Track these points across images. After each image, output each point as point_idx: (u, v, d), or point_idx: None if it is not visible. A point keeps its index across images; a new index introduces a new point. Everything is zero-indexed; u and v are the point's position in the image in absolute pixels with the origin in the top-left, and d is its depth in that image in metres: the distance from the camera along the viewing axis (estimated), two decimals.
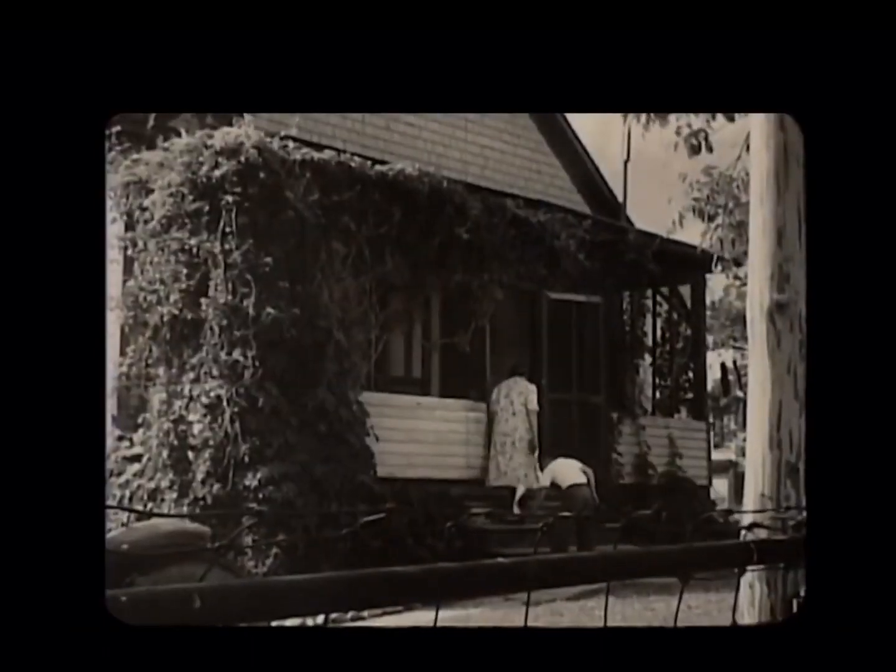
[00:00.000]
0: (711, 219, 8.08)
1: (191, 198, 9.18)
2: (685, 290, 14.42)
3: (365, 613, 7.73)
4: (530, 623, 1.32)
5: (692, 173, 8.17)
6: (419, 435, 10.74)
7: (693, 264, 11.79)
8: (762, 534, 1.61)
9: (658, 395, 14.59)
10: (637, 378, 13.88)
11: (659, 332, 14.46)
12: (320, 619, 5.01)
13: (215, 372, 9.06)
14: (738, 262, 10.40)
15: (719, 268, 8.67)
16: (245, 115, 9.67)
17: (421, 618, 4.96)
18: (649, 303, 14.15)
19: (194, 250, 9.20)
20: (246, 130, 9.28)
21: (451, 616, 7.61)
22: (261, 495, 8.85)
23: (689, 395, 14.59)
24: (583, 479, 10.23)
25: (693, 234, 9.30)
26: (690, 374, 14.57)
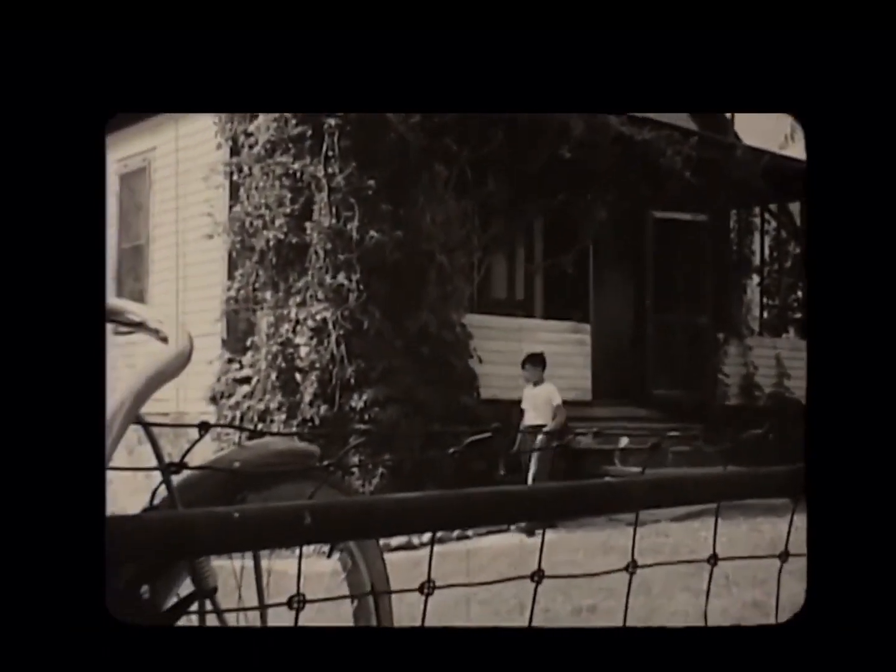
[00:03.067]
0: None
1: (294, 122, 9.22)
2: (794, 208, 14.03)
3: (469, 532, 7.85)
4: (636, 543, 1.32)
5: None
6: (523, 357, 10.75)
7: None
8: None
9: (766, 314, 14.31)
10: (744, 298, 13.63)
11: (767, 251, 14.13)
12: (426, 537, 5.09)
13: (320, 295, 9.17)
14: None
15: None
16: None
17: (525, 538, 5.01)
18: (757, 221, 13.81)
19: (298, 175, 9.27)
20: None
21: (555, 537, 7.68)
22: (366, 417, 9.00)
23: (798, 315, 14.28)
24: (537, 422, 8.62)
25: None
26: (799, 294, 14.24)
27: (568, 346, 11.23)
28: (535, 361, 9.07)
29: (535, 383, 8.94)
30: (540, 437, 8.37)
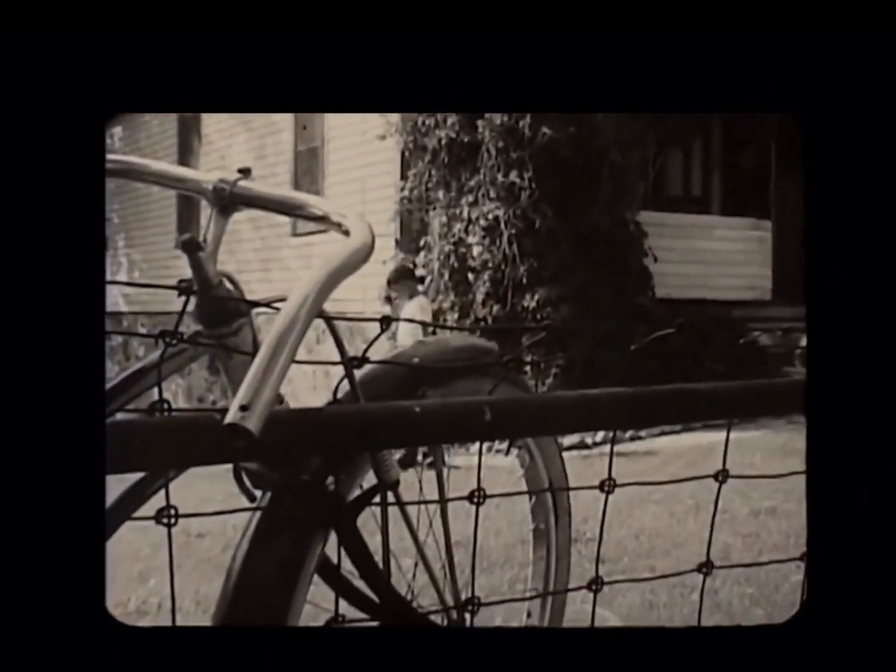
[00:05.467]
0: None
1: None
2: None
3: (643, 433, 7.81)
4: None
5: None
6: (699, 255, 10.49)
7: None
8: None
9: None
10: None
11: None
12: (599, 437, 5.12)
13: (492, 194, 9.14)
14: None
15: None
16: None
17: (700, 439, 4.96)
18: None
19: None
20: None
21: (733, 438, 7.51)
22: (538, 316, 9.00)
23: None
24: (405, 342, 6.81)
25: None
26: None
27: (747, 244, 10.89)
28: (400, 275, 7.84)
29: (411, 296, 7.79)
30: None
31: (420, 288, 8.01)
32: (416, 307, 7.67)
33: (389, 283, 8.01)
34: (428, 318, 7.60)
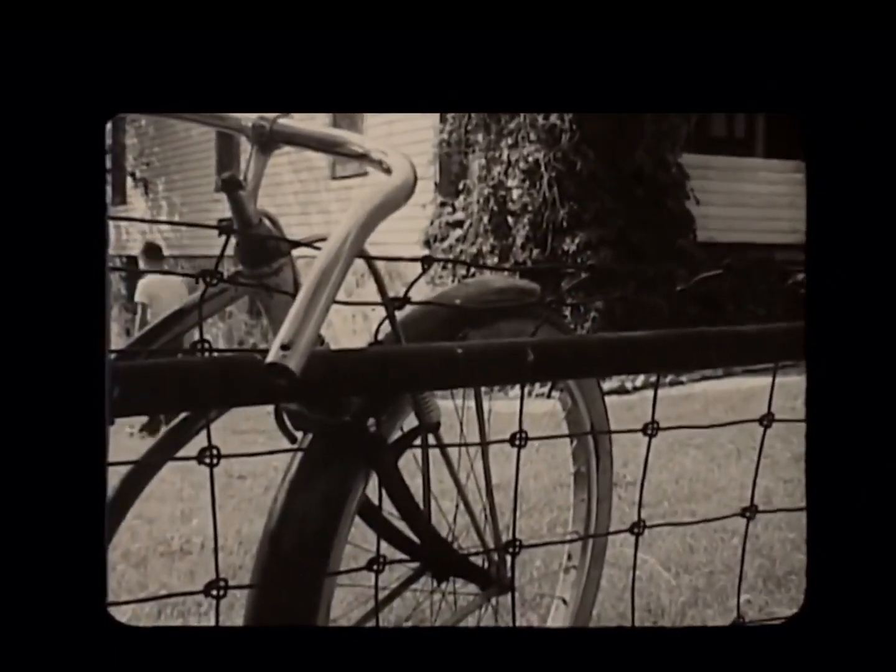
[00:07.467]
0: None
1: None
2: None
3: (684, 378, 7.78)
4: None
5: None
6: (742, 198, 10.36)
7: None
8: None
9: None
10: None
11: None
12: (639, 381, 5.12)
13: (532, 136, 9.06)
14: None
15: None
16: None
17: (740, 384, 4.92)
18: None
19: None
20: None
21: (781, 382, 7.46)
22: (579, 260, 8.95)
23: None
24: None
25: None
26: None
27: (791, 187, 10.74)
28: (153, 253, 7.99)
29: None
30: None
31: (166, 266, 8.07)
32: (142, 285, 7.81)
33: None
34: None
